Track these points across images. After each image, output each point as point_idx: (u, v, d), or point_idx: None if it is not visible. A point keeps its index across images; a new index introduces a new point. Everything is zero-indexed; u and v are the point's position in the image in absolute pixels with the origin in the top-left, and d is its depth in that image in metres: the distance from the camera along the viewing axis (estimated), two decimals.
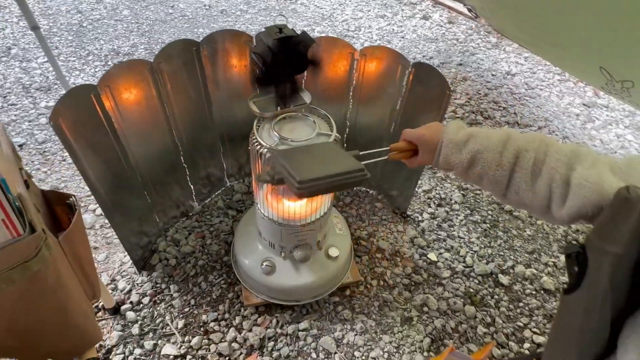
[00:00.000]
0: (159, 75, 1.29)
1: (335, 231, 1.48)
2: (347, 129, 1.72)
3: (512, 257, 1.69)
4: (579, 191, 0.59)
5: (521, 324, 1.46)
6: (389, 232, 1.73)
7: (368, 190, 1.90)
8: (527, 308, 1.51)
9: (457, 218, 1.81)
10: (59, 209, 0.82)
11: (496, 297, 1.54)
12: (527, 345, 1.40)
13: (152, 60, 1.24)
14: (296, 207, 1.26)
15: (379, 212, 1.81)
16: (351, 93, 1.58)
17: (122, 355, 1.28)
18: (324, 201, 1.28)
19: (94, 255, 1.54)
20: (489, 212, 1.87)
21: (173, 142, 1.52)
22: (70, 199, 0.81)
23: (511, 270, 1.63)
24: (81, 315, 0.78)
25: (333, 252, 1.40)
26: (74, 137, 1.10)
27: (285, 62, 1.03)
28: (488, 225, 1.80)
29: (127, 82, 1.22)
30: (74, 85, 1.53)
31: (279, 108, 1.14)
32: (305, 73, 1.50)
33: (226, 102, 1.55)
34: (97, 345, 1.28)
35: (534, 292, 1.57)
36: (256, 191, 1.28)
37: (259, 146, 1.08)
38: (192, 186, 1.73)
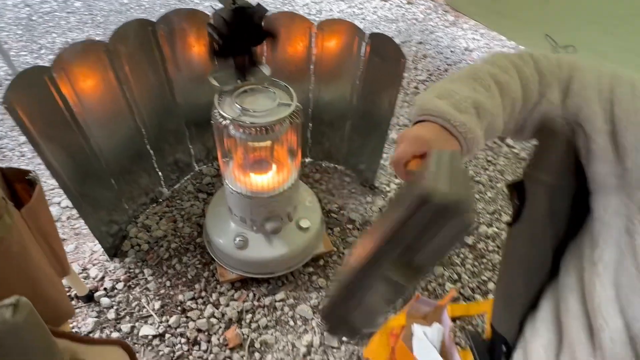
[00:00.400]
0: (116, 58, 1.27)
1: (305, 204, 1.52)
2: (311, 106, 1.75)
3: (475, 218, 1.78)
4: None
5: (485, 278, 1.55)
6: (359, 204, 1.78)
7: (336, 166, 1.95)
8: (490, 263, 1.61)
9: None
10: (19, 187, 0.82)
11: (462, 255, 1.62)
12: (491, 296, 1.50)
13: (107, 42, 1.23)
14: (263, 181, 1.28)
15: (348, 186, 1.86)
16: (312, 68, 1.61)
17: None
18: (290, 174, 1.32)
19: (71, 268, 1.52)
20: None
21: (137, 129, 1.51)
22: (31, 174, 0.81)
23: (475, 231, 1.73)
24: (51, 286, 0.78)
25: (304, 223, 1.44)
26: (32, 123, 1.08)
27: (241, 33, 1.05)
28: None
29: (82, 65, 1.20)
30: None
31: (239, 81, 1.16)
32: (265, 50, 1.51)
33: (188, 84, 1.55)
34: (70, 323, 1.27)
35: (496, 249, 1.66)
36: (223, 167, 1.30)
37: (221, 119, 1.10)
38: (160, 173, 1.72)
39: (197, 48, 1.47)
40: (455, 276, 1.55)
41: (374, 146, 1.71)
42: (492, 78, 0.61)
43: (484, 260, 1.62)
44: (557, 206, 0.69)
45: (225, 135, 1.17)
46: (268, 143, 1.30)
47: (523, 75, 0.62)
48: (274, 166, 1.32)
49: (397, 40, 3.03)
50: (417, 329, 0.92)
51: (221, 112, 1.09)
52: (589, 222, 0.64)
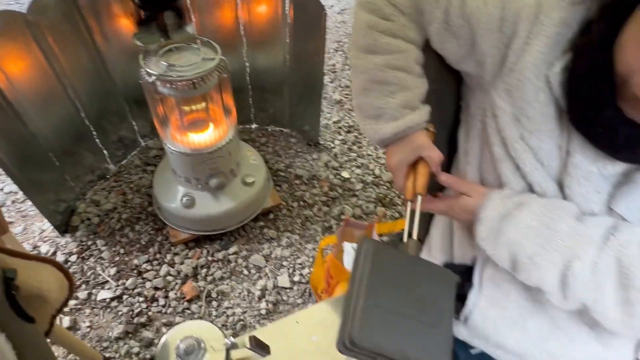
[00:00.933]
0: (38, 31, 1.27)
1: (249, 162, 1.59)
2: (249, 73, 1.80)
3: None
4: None
5: None
6: (305, 161, 1.86)
7: (282, 129, 2.01)
8: None
9: (365, 139, 1.99)
10: None
11: (402, 196, 1.75)
12: None
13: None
14: (200, 139, 1.34)
15: (294, 147, 1.93)
16: (243, 35, 1.66)
17: None
18: (227, 130, 1.38)
19: (10, 229, 1.52)
20: None
21: (75, 109, 1.51)
22: None
23: None
24: None
25: (249, 179, 1.51)
26: None
27: None
28: None
29: (4, 40, 1.19)
30: None
31: (162, 40, 1.20)
32: (194, 21, 1.54)
33: (121, 59, 1.54)
34: None
35: None
36: (161, 129, 1.34)
37: (147, 77, 1.14)
38: (105, 151, 1.73)
39: (125, 20, 1.48)
40: (397, 215, 1.68)
41: (315, 106, 1.79)
42: (388, 68, 0.63)
43: None
44: (444, 106, 0.78)
45: (156, 93, 1.21)
46: (203, 105, 1.36)
47: (395, 27, 0.64)
48: (211, 124, 1.38)
49: (336, 9, 3.10)
50: (347, 245, 1.02)
51: (147, 69, 1.13)
52: (465, 116, 0.73)
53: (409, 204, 0.62)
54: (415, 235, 0.58)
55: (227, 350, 0.67)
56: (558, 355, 0.62)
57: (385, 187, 1.78)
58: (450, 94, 0.77)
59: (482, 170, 0.65)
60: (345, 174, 1.81)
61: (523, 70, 0.52)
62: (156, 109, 1.28)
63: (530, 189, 0.57)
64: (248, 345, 0.68)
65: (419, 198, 0.61)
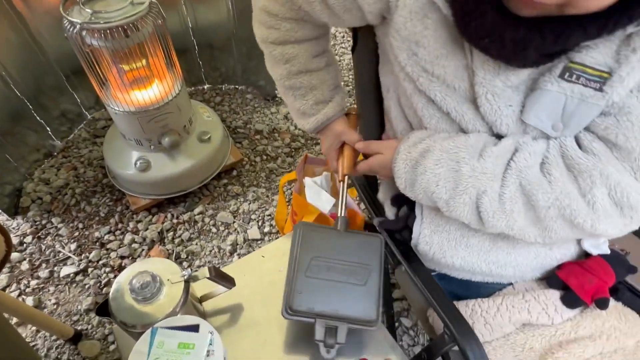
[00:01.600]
0: None
1: (203, 118, 1.52)
2: (192, 32, 1.69)
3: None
4: None
5: None
6: (264, 116, 1.81)
7: (236, 86, 1.94)
8: None
9: None
10: None
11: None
12: None
13: None
14: (144, 95, 1.26)
15: (250, 103, 1.87)
16: None
17: (18, 291, 1.25)
18: (172, 83, 1.30)
19: None
20: (350, 76, 2.03)
21: (6, 86, 1.39)
22: None
23: None
24: None
25: (205, 135, 1.45)
26: None
27: None
28: (351, 87, 1.97)
29: None
30: None
31: None
32: None
33: (47, 22, 1.41)
34: None
35: None
36: (100, 90, 1.25)
37: (71, 26, 1.04)
38: (48, 128, 1.61)
39: None
40: None
41: None
42: (291, 75, 0.69)
43: None
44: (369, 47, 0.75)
45: (84, 46, 1.11)
46: (143, 61, 1.27)
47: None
48: (154, 80, 1.29)
49: None
50: (308, 180, 1.00)
51: (70, 19, 1.03)
52: (383, 79, 0.72)
53: (341, 185, 0.71)
54: (344, 213, 0.69)
55: (186, 283, 0.65)
56: (503, 263, 0.66)
57: None
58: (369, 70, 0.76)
59: (407, 117, 0.66)
60: None
61: (405, 6, 0.52)
62: (90, 66, 1.18)
63: (449, 117, 0.57)
64: (208, 275, 0.66)
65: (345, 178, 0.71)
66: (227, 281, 0.71)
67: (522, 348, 0.65)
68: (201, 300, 0.75)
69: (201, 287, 0.73)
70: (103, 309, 0.61)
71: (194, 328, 0.59)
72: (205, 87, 1.92)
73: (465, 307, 0.70)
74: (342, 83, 0.78)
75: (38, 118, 1.57)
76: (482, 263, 0.67)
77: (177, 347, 0.57)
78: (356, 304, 0.62)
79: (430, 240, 0.68)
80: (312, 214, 0.92)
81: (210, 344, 0.58)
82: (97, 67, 1.18)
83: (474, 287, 0.73)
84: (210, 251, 1.37)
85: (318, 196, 0.97)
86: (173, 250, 1.35)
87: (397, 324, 1.19)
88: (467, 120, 0.55)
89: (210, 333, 0.58)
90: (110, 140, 1.47)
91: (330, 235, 0.67)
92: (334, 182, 1.04)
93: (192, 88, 1.89)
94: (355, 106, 0.80)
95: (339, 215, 0.69)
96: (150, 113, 1.26)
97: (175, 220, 1.42)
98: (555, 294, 0.66)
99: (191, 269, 1.29)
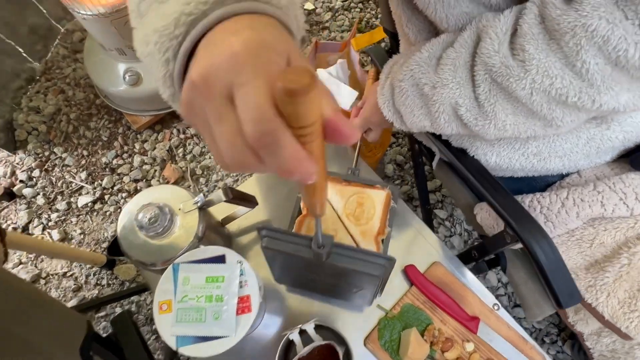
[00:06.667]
0: None
1: None
2: None
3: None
4: None
5: None
6: None
7: None
8: None
9: None
10: None
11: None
12: None
13: None
14: None
15: None
16: None
17: (42, 226, 1.23)
18: None
19: None
20: None
21: None
22: None
23: None
24: None
25: None
26: None
27: None
28: None
29: None
30: None
31: None
32: None
33: None
34: (4, 223, 1.21)
35: None
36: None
37: None
38: (19, 49, 1.43)
39: None
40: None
41: None
42: None
43: None
44: None
45: None
46: None
47: None
48: None
49: None
50: (322, 72, 0.85)
51: None
52: None
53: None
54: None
55: (201, 210, 0.56)
56: (547, 155, 0.56)
57: (358, 10, 1.50)
58: None
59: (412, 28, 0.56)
60: (309, 5, 1.52)
61: None
62: None
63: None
64: (224, 198, 0.57)
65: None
66: (248, 201, 0.62)
67: (590, 244, 0.57)
68: (223, 223, 0.67)
69: (221, 209, 0.64)
70: (114, 248, 0.54)
71: (220, 259, 0.52)
72: None
73: (521, 204, 0.60)
74: None
75: (6, 39, 1.38)
76: (520, 157, 0.56)
77: (205, 282, 0.51)
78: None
79: (460, 136, 0.59)
80: None
81: (242, 274, 0.51)
82: None
83: (527, 180, 0.62)
84: None
85: (337, 90, 0.83)
86: (187, 167, 1.27)
87: (432, 217, 1.13)
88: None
89: (239, 263, 0.51)
90: (90, 54, 1.29)
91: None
92: (352, 70, 0.88)
93: None
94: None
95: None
96: (125, 12, 1.05)
97: (182, 136, 1.32)
98: (637, 178, 0.55)
99: (207, 188, 1.23)
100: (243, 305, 0.49)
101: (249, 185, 0.75)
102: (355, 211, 0.60)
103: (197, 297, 0.50)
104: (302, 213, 0.60)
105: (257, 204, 0.64)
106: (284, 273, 0.57)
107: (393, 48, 0.75)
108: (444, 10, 0.46)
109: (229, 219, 0.67)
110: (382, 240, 0.59)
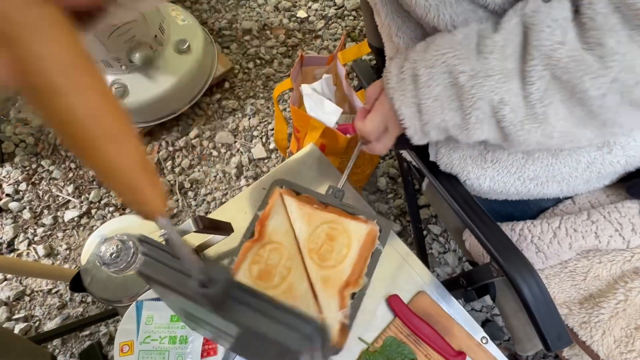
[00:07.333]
0: None
1: (177, 24, 1.27)
2: None
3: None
4: None
5: None
6: (250, 10, 1.52)
7: None
8: None
9: None
10: None
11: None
12: None
13: None
14: None
15: None
16: None
17: (27, 241, 1.21)
18: None
19: None
20: None
21: None
22: None
23: None
24: None
25: (182, 44, 1.22)
26: None
27: None
28: None
29: None
30: None
31: None
32: None
33: None
34: None
35: None
36: None
37: None
38: None
39: None
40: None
41: None
42: None
43: None
44: None
45: None
46: None
47: None
48: None
49: None
50: (305, 88, 0.81)
51: None
52: None
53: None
54: None
55: (166, 241, 0.53)
56: (544, 179, 0.53)
57: (352, 18, 1.47)
58: None
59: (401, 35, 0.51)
60: (301, 14, 1.49)
61: None
62: None
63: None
64: (194, 228, 0.54)
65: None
66: (222, 229, 0.59)
67: (585, 276, 0.53)
68: (198, 250, 0.64)
69: (197, 235, 0.61)
70: (76, 283, 0.51)
71: None
72: None
73: (511, 232, 0.57)
74: None
75: None
76: (516, 181, 0.53)
77: (169, 321, 0.48)
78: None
79: (450, 159, 0.54)
80: (317, 129, 0.76)
81: None
82: None
83: (520, 204, 0.59)
84: (215, 177, 1.26)
85: (320, 106, 0.80)
86: (175, 181, 1.25)
87: (425, 232, 1.10)
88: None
89: None
90: None
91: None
92: (338, 85, 0.85)
93: None
94: None
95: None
96: (108, 26, 1.03)
97: (171, 148, 1.29)
98: (634, 207, 0.51)
99: (196, 202, 1.21)
100: (208, 348, 0.46)
101: (229, 207, 0.72)
102: (321, 247, 0.46)
103: (160, 337, 0.47)
104: (254, 237, 0.51)
105: (232, 231, 0.61)
106: (190, 319, 0.40)
107: (378, 63, 0.72)
108: (447, 12, 0.41)
109: (204, 246, 0.64)
110: (352, 295, 0.45)
